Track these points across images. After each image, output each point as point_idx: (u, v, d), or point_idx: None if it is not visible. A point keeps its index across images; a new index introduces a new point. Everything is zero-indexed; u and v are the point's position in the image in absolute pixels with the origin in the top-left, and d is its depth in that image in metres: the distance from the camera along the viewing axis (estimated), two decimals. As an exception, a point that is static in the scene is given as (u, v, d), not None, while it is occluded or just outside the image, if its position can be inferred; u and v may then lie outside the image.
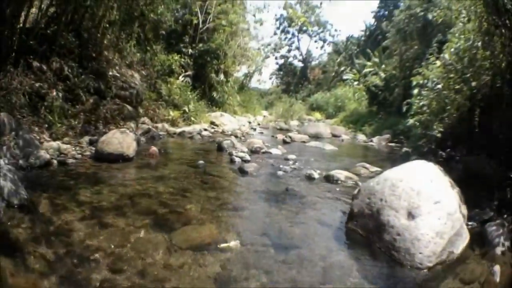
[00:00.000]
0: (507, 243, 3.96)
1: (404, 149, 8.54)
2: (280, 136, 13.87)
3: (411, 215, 3.92)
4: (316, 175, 7.29)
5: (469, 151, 6.24)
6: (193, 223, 4.86)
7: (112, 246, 4.15)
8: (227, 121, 16.94)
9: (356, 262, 4.02)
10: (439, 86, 8.05)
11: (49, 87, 8.68)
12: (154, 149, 8.56)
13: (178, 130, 12.51)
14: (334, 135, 14.99)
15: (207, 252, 4.17)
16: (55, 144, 7.44)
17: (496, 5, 5.87)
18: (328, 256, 4.13)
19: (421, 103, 8.44)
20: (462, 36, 7.86)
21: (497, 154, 5.67)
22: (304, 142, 13.02)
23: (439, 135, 7.39)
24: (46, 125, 8.06)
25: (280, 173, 7.66)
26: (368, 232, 4.27)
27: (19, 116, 7.35)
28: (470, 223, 4.49)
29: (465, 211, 4.20)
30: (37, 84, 8.45)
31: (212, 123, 16.00)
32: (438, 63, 8.88)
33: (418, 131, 8.45)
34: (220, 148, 10.09)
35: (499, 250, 3.92)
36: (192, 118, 14.70)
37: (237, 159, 8.62)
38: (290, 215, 5.30)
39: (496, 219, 4.46)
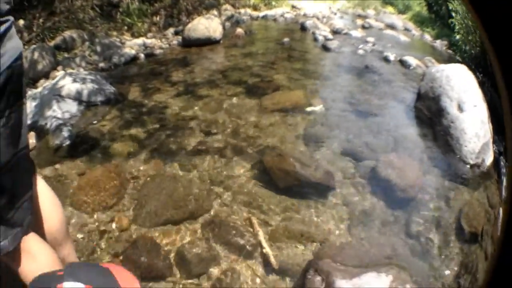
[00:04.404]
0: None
1: (457, 57, 8.11)
2: (359, 22, 13.33)
3: (460, 108, 3.93)
4: (392, 57, 7.05)
5: (493, 85, 5.56)
6: (281, 89, 4.97)
7: (207, 114, 4.36)
8: (308, 5, 16.32)
9: (421, 139, 4.06)
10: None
11: (122, -6, 8.57)
12: (240, 30, 8.48)
13: (261, 14, 12.23)
14: (406, 29, 14.33)
15: (294, 114, 4.33)
16: (139, 40, 7.47)
17: None
18: (399, 128, 4.23)
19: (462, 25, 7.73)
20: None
21: None
22: (381, 29, 12.56)
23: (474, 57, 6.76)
24: (126, 27, 8.04)
25: (360, 52, 7.48)
26: (432, 114, 4.32)
27: (90, 28, 7.27)
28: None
29: (491, 129, 3.98)
30: (107, -5, 8.32)
31: (293, 7, 15.43)
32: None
33: (462, 47, 7.85)
34: (303, 28, 9.83)
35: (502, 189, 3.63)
36: (273, 3, 14.23)
37: (320, 37, 8.45)
38: (368, 88, 5.28)
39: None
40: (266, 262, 2.42)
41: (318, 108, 4.46)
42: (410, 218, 2.85)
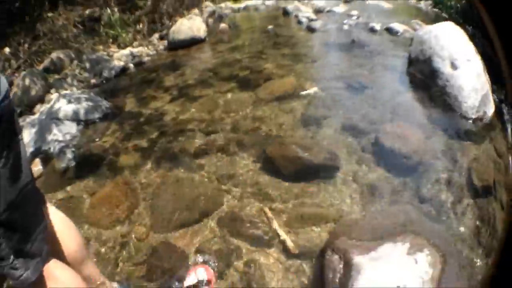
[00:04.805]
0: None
1: (443, 14, 8.08)
2: (341, -4, 13.38)
3: (453, 65, 3.95)
4: (378, 27, 7.05)
5: (484, 34, 5.48)
6: (273, 78, 4.99)
7: (204, 114, 4.40)
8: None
9: (418, 103, 4.07)
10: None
11: (101, 8, 8.53)
12: (223, 25, 8.51)
13: (242, 5, 12.20)
14: (389, -5, 14.36)
15: (290, 100, 4.36)
16: (126, 51, 7.46)
17: None
18: (395, 97, 4.24)
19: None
20: None
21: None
22: (364, 0, 12.60)
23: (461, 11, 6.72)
24: (111, 40, 8.03)
25: (345, 27, 7.49)
26: (425, 77, 4.32)
27: (76, 45, 7.31)
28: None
29: (489, 80, 4.00)
30: (86, 11, 8.30)
31: (274, -8, 15.35)
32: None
33: (448, 3, 7.82)
34: (286, 13, 9.81)
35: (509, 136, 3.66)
36: (253, -9, 14.17)
37: (303, 19, 8.42)
38: (359, 62, 5.31)
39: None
40: (285, 249, 2.48)
41: (312, 90, 4.48)
42: (420, 183, 2.89)
